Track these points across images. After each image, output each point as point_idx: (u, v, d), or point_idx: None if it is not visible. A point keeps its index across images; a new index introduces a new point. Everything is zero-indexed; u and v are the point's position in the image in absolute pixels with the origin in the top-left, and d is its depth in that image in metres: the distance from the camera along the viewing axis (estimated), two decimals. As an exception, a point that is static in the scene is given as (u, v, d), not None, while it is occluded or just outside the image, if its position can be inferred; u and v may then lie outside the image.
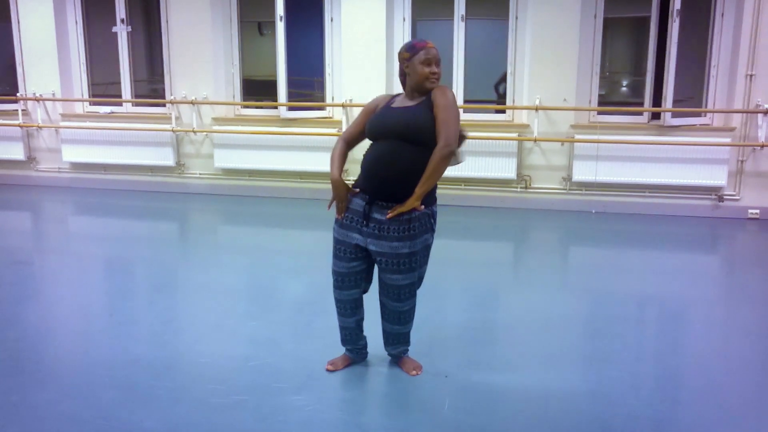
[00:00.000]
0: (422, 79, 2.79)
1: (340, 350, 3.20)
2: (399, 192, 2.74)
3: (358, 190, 2.88)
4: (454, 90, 6.84)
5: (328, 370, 3.08)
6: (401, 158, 2.72)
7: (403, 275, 2.83)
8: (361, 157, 2.88)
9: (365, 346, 3.18)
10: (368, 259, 2.92)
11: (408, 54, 2.81)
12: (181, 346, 3.43)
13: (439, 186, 2.91)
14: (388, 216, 2.74)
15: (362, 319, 3.06)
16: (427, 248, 2.90)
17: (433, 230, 2.88)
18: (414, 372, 3.08)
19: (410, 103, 2.84)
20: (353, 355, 3.17)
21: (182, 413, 2.73)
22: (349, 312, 3.01)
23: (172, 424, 2.65)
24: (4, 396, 2.87)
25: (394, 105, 2.87)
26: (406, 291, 2.89)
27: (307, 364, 3.16)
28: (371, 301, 3.15)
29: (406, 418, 2.74)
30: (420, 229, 2.79)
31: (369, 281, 3.02)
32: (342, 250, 2.89)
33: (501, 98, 7.01)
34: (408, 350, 3.17)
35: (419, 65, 2.78)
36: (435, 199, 2.88)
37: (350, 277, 2.92)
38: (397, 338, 3.08)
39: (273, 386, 2.96)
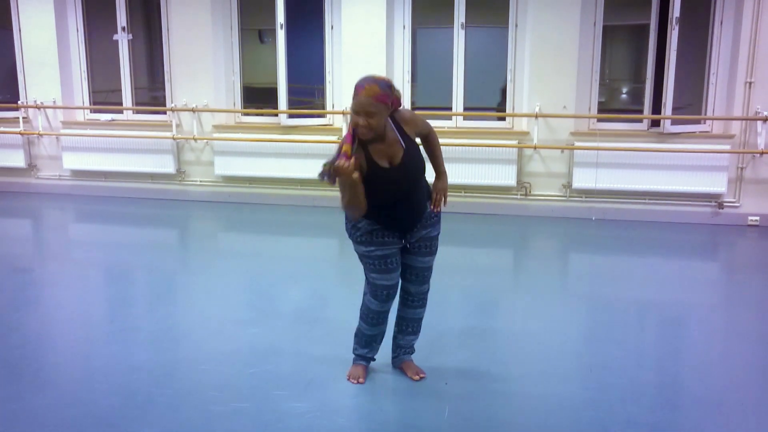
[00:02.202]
0: (354, 126, 2.64)
1: (341, 356, 3.20)
2: (425, 207, 2.94)
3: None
4: (453, 96, 6.87)
5: (360, 383, 3.05)
6: (422, 193, 2.91)
7: (432, 256, 3.01)
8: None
9: (376, 353, 3.20)
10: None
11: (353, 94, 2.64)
12: (181, 353, 3.43)
13: None
14: (437, 209, 2.95)
15: None
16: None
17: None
18: (417, 377, 3.08)
19: (398, 156, 2.76)
20: (366, 363, 3.16)
21: (182, 420, 2.73)
22: (386, 318, 3.07)
23: (171, 431, 2.64)
24: (5, 403, 2.87)
25: (383, 164, 2.73)
26: (430, 271, 3.05)
27: (308, 371, 3.16)
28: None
29: (407, 425, 2.74)
30: (441, 214, 3.02)
31: None
32: (392, 262, 2.90)
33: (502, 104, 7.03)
34: (414, 349, 3.19)
35: (351, 111, 2.64)
36: None
37: (396, 286, 3.00)
38: (416, 325, 3.13)
39: (273, 393, 2.96)
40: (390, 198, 2.79)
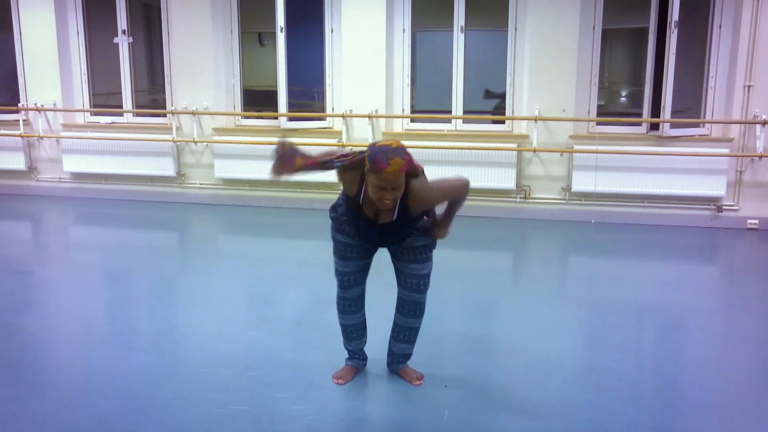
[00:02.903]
0: (375, 200, 2.56)
1: (340, 359, 3.21)
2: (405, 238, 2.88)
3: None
4: (453, 100, 6.88)
5: (338, 384, 3.07)
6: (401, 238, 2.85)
7: (419, 264, 2.90)
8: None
9: (364, 345, 3.20)
10: (373, 253, 3.00)
11: (368, 166, 2.50)
12: (181, 356, 3.43)
13: None
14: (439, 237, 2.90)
15: (365, 314, 3.13)
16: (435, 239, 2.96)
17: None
18: (417, 382, 3.09)
19: (384, 219, 2.71)
20: (356, 363, 3.18)
21: (182, 423, 2.73)
22: (359, 307, 3.08)
23: (171, 433, 2.65)
24: (5, 406, 2.87)
25: (367, 211, 2.72)
26: (423, 282, 2.95)
27: (307, 374, 3.17)
28: (370, 309, 3.16)
29: (406, 428, 2.74)
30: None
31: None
32: (352, 251, 2.92)
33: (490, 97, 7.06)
34: (409, 358, 3.18)
35: (374, 187, 2.51)
36: None
37: (359, 274, 2.99)
38: (408, 334, 3.08)
39: (273, 396, 2.96)
40: (361, 234, 2.84)
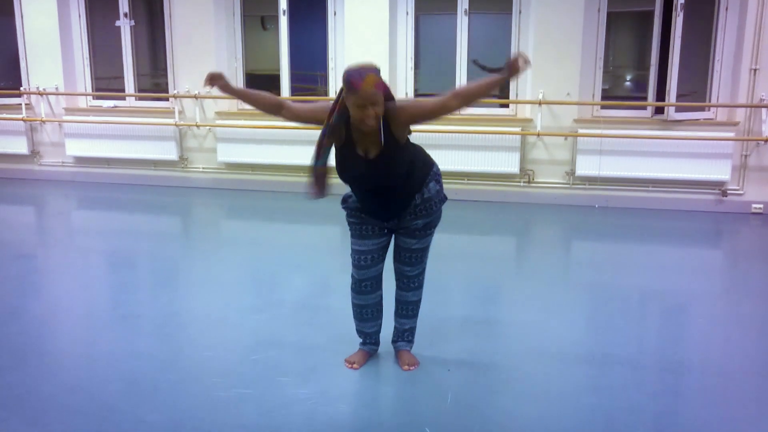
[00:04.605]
0: (357, 122, 2.61)
1: (344, 343, 3.21)
2: (408, 201, 2.84)
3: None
4: (457, 83, 6.83)
5: (353, 368, 3.07)
6: (400, 192, 2.81)
7: (414, 239, 2.92)
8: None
9: (379, 330, 3.18)
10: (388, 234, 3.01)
11: (345, 88, 2.58)
12: (184, 340, 3.44)
13: (443, 180, 2.99)
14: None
15: (382, 295, 3.11)
16: (438, 216, 2.95)
17: (442, 200, 2.93)
18: (407, 367, 3.07)
19: (374, 151, 2.71)
20: (369, 348, 3.17)
21: (185, 407, 2.74)
22: (375, 287, 3.05)
23: (175, 417, 2.66)
24: (9, 389, 2.88)
25: (359, 151, 2.73)
26: (415, 257, 2.96)
27: (311, 358, 3.17)
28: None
29: (409, 411, 2.75)
30: (437, 206, 2.90)
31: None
32: (367, 230, 2.94)
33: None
34: (413, 336, 3.18)
35: (353, 107, 2.56)
36: (430, 183, 2.88)
37: (376, 254, 2.98)
38: (404, 308, 3.10)
39: (276, 380, 2.97)
40: (358, 185, 2.84)
